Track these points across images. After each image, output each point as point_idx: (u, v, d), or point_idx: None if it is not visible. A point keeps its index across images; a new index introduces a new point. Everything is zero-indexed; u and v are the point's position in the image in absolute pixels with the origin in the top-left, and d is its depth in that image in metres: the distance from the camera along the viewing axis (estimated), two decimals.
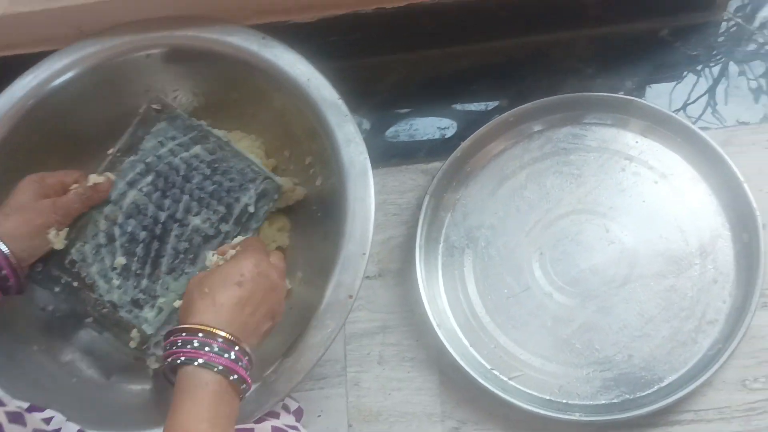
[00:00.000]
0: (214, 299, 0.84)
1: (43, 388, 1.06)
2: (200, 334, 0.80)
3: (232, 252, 0.96)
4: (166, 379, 0.84)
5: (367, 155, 1.02)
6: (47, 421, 0.94)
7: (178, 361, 0.80)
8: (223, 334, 0.81)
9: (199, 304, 0.84)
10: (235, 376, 0.81)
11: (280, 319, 0.92)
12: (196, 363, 0.79)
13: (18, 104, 1.11)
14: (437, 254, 1.21)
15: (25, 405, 0.96)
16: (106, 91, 1.15)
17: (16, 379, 1.04)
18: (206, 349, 0.80)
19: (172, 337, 0.82)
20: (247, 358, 0.83)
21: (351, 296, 0.97)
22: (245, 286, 0.86)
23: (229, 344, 0.81)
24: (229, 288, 0.85)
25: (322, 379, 1.19)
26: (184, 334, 0.81)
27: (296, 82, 1.05)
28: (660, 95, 1.27)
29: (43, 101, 1.13)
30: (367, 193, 1.00)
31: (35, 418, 0.92)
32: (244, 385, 0.83)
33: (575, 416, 1.09)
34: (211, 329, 0.81)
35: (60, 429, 0.93)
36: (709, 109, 1.25)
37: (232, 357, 0.81)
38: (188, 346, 0.80)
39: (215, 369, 0.79)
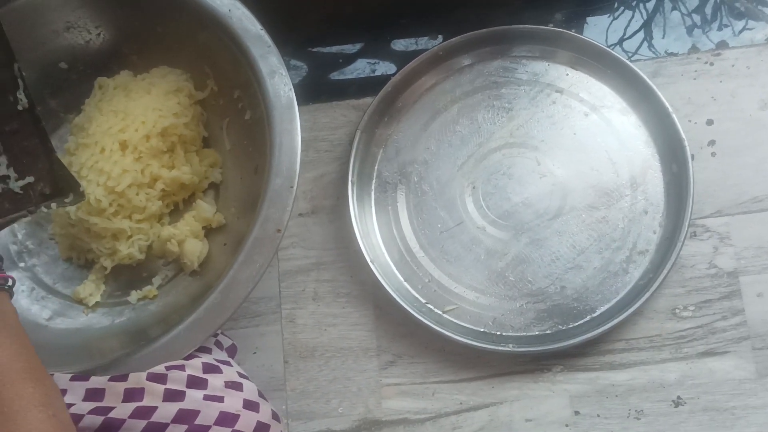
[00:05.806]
0: None
1: None
2: None
3: None
4: None
5: (291, 87, 1.00)
6: None
7: None
8: None
9: None
10: None
11: None
12: None
13: None
14: (370, 190, 1.20)
15: None
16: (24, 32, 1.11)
17: None
18: None
19: None
20: None
21: (279, 230, 0.96)
22: None
23: None
24: None
25: (257, 316, 1.19)
26: None
27: (217, 14, 1.03)
28: (597, 30, 1.27)
29: None
30: (293, 125, 0.99)
31: None
32: (9, 283, 0.82)
33: (509, 347, 1.11)
34: None
35: None
36: (645, 44, 1.26)
37: None
38: None
39: None
